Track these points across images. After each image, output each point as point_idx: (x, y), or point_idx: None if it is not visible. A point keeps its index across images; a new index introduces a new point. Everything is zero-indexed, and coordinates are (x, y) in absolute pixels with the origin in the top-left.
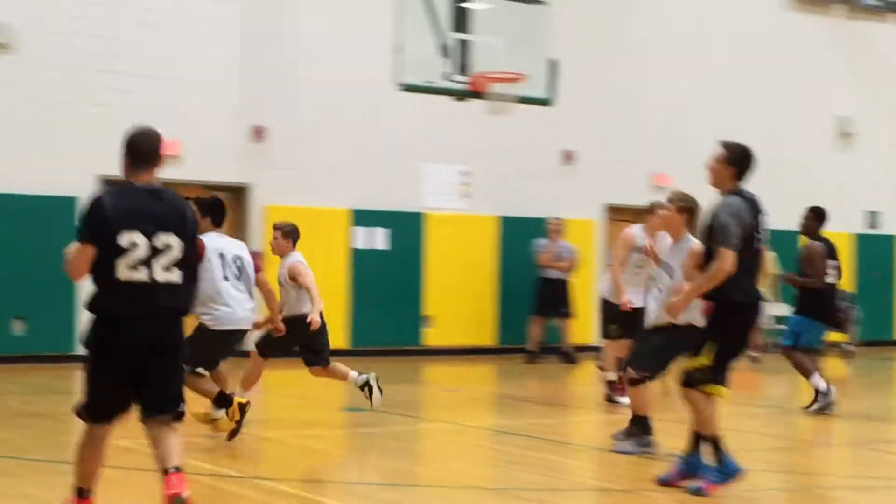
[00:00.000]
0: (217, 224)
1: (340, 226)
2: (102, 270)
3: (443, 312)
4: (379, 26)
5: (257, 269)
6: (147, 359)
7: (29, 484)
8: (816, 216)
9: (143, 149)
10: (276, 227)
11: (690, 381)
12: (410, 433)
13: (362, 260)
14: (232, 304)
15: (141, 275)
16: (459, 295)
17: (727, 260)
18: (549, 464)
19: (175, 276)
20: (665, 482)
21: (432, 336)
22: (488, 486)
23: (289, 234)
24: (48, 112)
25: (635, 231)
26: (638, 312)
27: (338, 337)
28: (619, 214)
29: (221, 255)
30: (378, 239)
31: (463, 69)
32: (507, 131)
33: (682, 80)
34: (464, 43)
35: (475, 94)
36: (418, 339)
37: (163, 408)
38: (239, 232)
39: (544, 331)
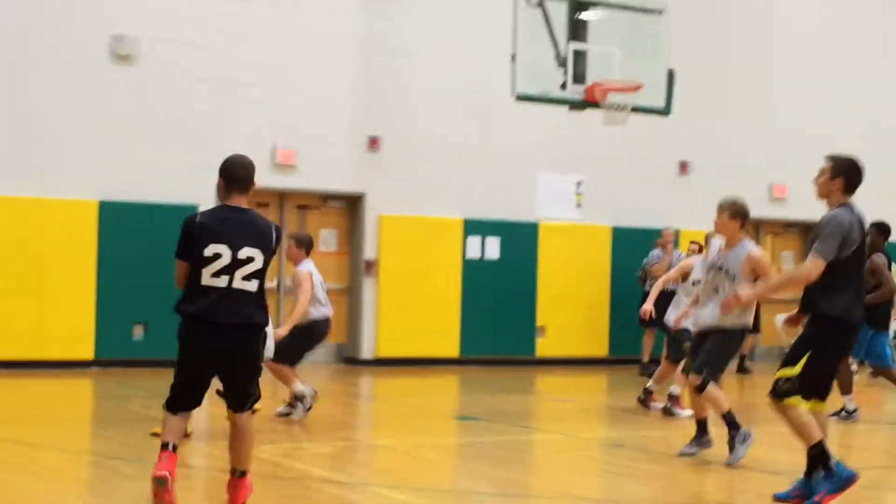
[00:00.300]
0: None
1: (454, 235)
2: (192, 277)
3: (555, 322)
4: (495, 37)
5: None
6: (225, 360)
7: (149, 487)
8: (880, 231)
9: (236, 175)
10: (290, 237)
11: (777, 392)
12: (522, 443)
13: (475, 269)
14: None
15: (221, 282)
16: (572, 305)
17: (812, 268)
18: (662, 476)
19: (251, 286)
20: (783, 499)
21: (544, 346)
22: (601, 498)
23: (302, 244)
24: (171, 122)
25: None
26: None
27: (449, 346)
28: None
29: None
30: (491, 248)
31: (579, 79)
32: (623, 141)
33: (802, 90)
34: (580, 53)
35: (591, 103)
36: (531, 350)
37: (237, 408)
38: (353, 240)
39: (657, 342)
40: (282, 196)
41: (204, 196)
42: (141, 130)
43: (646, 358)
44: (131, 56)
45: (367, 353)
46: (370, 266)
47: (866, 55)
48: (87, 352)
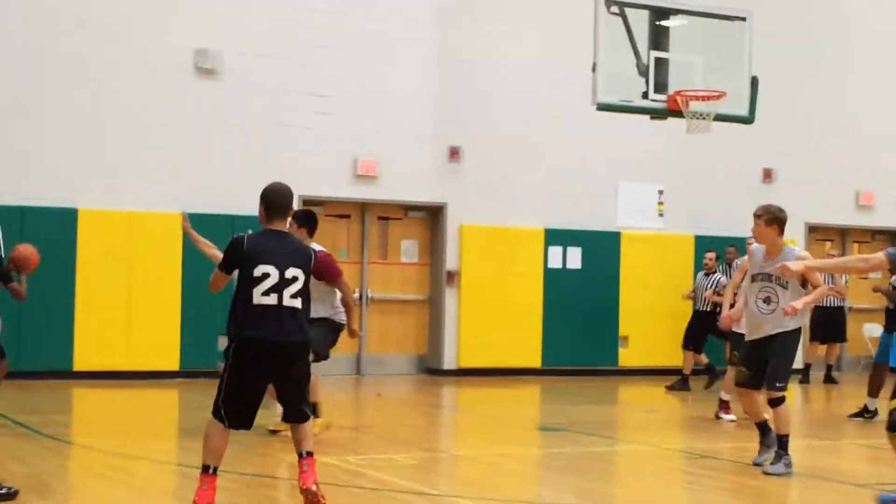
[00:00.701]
0: (311, 235)
1: (535, 245)
2: (241, 296)
3: (637, 332)
4: (575, 46)
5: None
6: (280, 373)
7: (238, 497)
8: None
9: (277, 202)
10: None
11: (892, 425)
12: (606, 454)
13: (556, 279)
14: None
15: (272, 300)
16: (654, 315)
17: (876, 263)
18: (748, 489)
19: (297, 303)
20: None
21: (627, 356)
22: None
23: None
24: (253, 135)
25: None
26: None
27: (531, 356)
28: (821, 234)
29: None
30: (572, 258)
31: (661, 87)
32: (705, 149)
33: (887, 96)
34: (661, 61)
35: (673, 112)
36: (614, 360)
37: (292, 419)
38: (435, 251)
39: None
40: (363, 207)
41: None
42: (224, 143)
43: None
44: (214, 70)
45: (448, 363)
46: (451, 276)
47: None
48: (172, 363)
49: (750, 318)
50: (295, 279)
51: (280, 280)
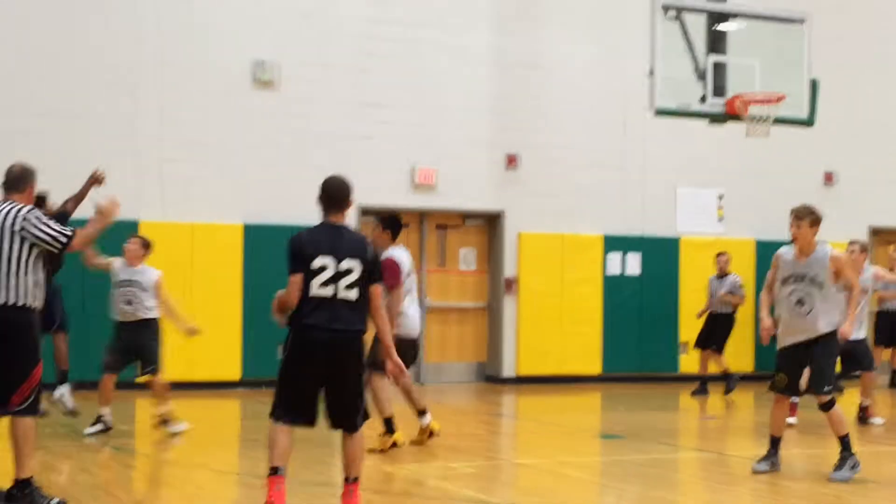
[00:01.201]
0: (395, 238)
1: (594, 251)
2: (303, 291)
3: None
4: (633, 51)
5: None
6: (334, 366)
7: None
8: None
9: (334, 196)
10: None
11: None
12: (669, 462)
13: (616, 286)
14: (411, 313)
15: (328, 291)
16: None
17: None
18: (815, 496)
19: (353, 295)
20: None
21: (688, 362)
22: None
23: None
24: (311, 145)
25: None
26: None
27: (592, 363)
28: (886, 236)
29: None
30: (632, 264)
31: (719, 91)
32: (765, 153)
33: None
34: (719, 65)
35: (732, 116)
36: (674, 366)
37: (341, 424)
38: (493, 258)
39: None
40: (421, 215)
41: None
42: (282, 154)
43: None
44: (273, 81)
45: (508, 371)
46: (510, 284)
47: None
48: (234, 373)
49: (784, 322)
50: (350, 271)
51: (335, 272)
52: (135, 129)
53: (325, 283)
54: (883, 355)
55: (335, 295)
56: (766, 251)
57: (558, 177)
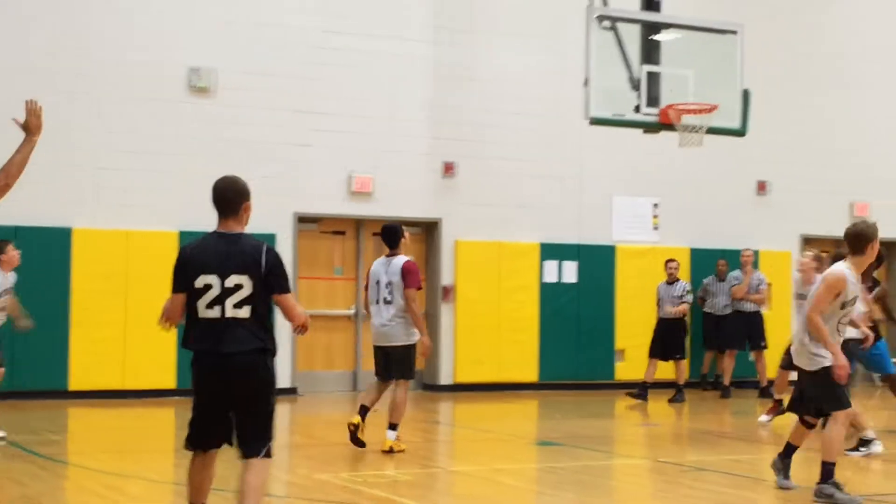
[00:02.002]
0: (392, 248)
1: (530, 259)
2: (188, 311)
3: (634, 345)
4: (569, 61)
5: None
6: (232, 391)
7: None
8: None
9: (221, 199)
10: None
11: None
12: (604, 469)
13: (552, 293)
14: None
15: (215, 312)
16: (651, 327)
17: None
18: (748, 502)
19: (243, 313)
20: None
21: (624, 370)
22: None
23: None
24: (248, 152)
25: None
26: None
27: (528, 371)
28: (816, 245)
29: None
30: (568, 272)
31: (653, 101)
32: (700, 163)
33: (880, 104)
34: (653, 75)
35: (666, 126)
36: (610, 373)
37: (241, 449)
38: (430, 266)
39: (737, 364)
40: (358, 223)
41: (281, 224)
42: (218, 161)
43: (727, 381)
44: (208, 88)
45: (445, 378)
46: (447, 292)
47: None
48: (168, 381)
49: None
50: (238, 287)
51: (221, 290)
52: (70, 136)
53: (211, 304)
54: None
55: (223, 315)
56: (699, 259)
57: (495, 185)
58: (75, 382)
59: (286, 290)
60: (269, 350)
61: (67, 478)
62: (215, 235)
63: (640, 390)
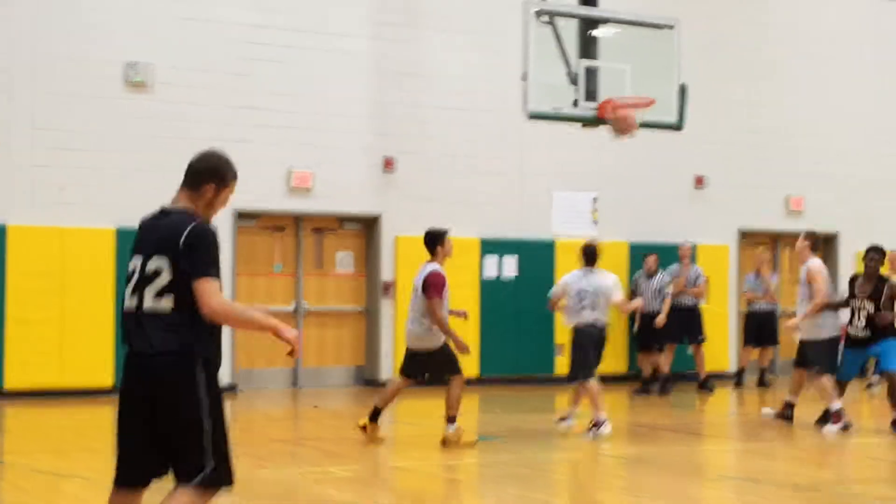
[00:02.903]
0: (431, 254)
1: (470, 255)
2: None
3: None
4: (507, 56)
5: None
6: (148, 407)
7: None
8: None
9: (189, 167)
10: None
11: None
12: (544, 462)
13: (492, 289)
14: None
15: (133, 302)
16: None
17: None
18: (685, 494)
19: (165, 304)
20: None
21: (564, 364)
22: None
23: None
24: (185, 148)
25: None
26: None
27: (468, 366)
28: (753, 239)
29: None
30: (508, 267)
31: (591, 96)
32: (638, 157)
33: (815, 102)
34: (591, 69)
35: (604, 120)
36: (550, 368)
37: (178, 476)
38: (370, 262)
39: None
40: (297, 219)
41: (220, 220)
42: (155, 157)
43: (666, 373)
44: (145, 83)
45: (385, 374)
46: (387, 287)
47: (887, 69)
48: (106, 379)
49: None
50: (157, 272)
51: (140, 276)
52: (7, 131)
53: (132, 293)
54: (751, 355)
55: (139, 307)
56: (638, 253)
57: (435, 180)
58: (11, 381)
59: (203, 273)
60: (196, 353)
61: (3, 478)
62: (159, 211)
63: (642, 386)
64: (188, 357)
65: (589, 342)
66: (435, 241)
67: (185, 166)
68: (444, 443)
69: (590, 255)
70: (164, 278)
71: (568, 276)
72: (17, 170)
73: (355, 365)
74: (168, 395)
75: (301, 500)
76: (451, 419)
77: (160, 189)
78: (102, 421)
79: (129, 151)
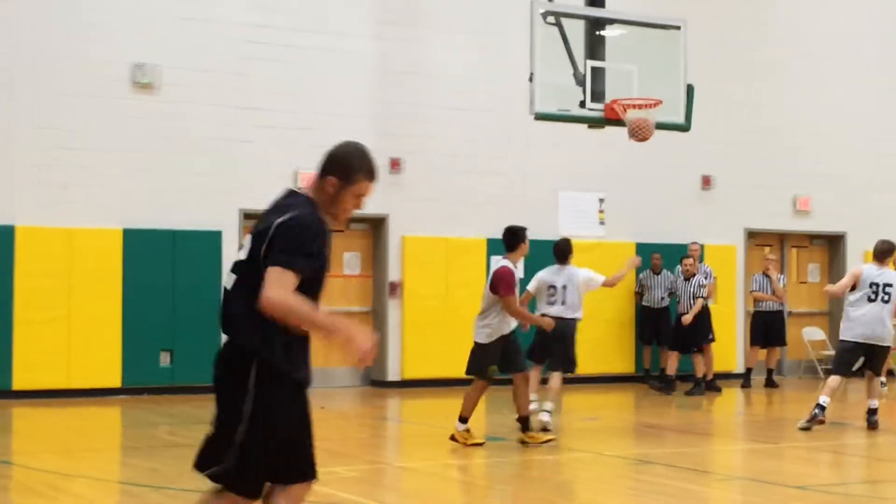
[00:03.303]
0: (509, 250)
1: (477, 255)
2: None
3: (582, 340)
4: (514, 56)
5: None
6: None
7: None
8: None
9: (324, 155)
10: None
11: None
12: (550, 463)
13: None
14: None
15: (226, 280)
16: (598, 322)
17: None
18: (691, 494)
19: (231, 283)
20: None
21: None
22: None
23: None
24: (192, 149)
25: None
26: None
27: None
28: (760, 239)
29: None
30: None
31: (598, 96)
32: (644, 158)
33: (821, 101)
34: (598, 70)
35: (610, 121)
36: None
37: (208, 475)
38: (377, 263)
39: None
40: None
41: (227, 221)
42: (163, 157)
43: (671, 374)
44: (152, 84)
45: (392, 374)
46: (394, 288)
47: (892, 68)
48: (114, 380)
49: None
50: (243, 254)
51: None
52: (10, 131)
53: (230, 270)
54: (759, 355)
55: (225, 286)
56: (645, 253)
57: (441, 181)
58: (19, 382)
59: (276, 261)
60: (254, 349)
61: (11, 478)
62: (287, 190)
63: (664, 383)
64: (243, 350)
65: (553, 336)
66: (516, 238)
67: (188, 166)
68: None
69: (560, 252)
70: (242, 254)
71: (542, 271)
72: (22, 171)
73: None
74: (224, 385)
75: (308, 501)
76: (523, 419)
77: (166, 189)
78: (110, 421)
79: (134, 152)
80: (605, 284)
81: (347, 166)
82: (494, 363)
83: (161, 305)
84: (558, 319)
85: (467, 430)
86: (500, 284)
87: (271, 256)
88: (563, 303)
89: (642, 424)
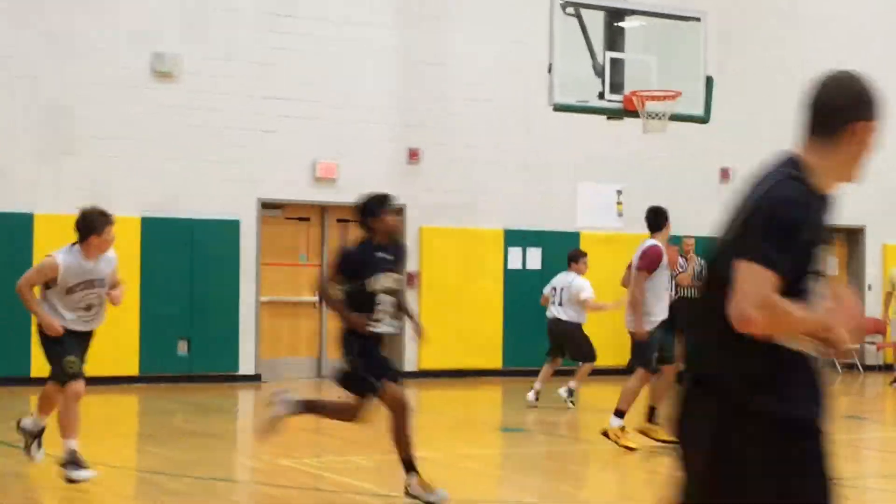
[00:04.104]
0: (651, 230)
1: (495, 246)
2: None
3: (599, 332)
4: (532, 47)
5: None
6: None
7: (193, 501)
8: None
9: (811, 106)
10: None
11: None
12: (568, 454)
13: (517, 280)
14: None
15: None
16: (615, 314)
17: None
18: None
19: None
20: None
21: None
22: None
23: None
24: (212, 138)
25: None
26: None
27: (493, 357)
28: None
29: None
30: (532, 259)
31: (616, 88)
32: (663, 149)
33: None
34: (617, 61)
35: (629, 112)
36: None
37: None
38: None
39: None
40: (323, 210)
41: (245, 210)
42: (182, 146)
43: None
44: (172, 73)
45: (410, 365)
46: (412, 278)
47: None
48: (131, 368)
49: None
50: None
51: None
52: (32, 120)
53: None
54: None
55: None
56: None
57: (460, 171)
58: (37, 369)
59: (744, 253)
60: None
61: (29, 464)
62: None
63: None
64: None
65: (550, 334)
66: (661, 217)
67: (208, 155)
68: (605, 434)
69: (569, 258)
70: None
71: (556, 276)
72: (43, 160)
73: None
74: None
75: (324, 490)
76: (618, 413)
77: (185, 178)
78: (128, 409)
79: (154, 141)
80: (586, 302)
81: (866, 100)
82: (656, 352)
83: (179, 294)
84: (556, 321)
85: (622, 428)
86: (644, 258)
87: (740, 246)
88: (560, 305)
89: (659, 415)
